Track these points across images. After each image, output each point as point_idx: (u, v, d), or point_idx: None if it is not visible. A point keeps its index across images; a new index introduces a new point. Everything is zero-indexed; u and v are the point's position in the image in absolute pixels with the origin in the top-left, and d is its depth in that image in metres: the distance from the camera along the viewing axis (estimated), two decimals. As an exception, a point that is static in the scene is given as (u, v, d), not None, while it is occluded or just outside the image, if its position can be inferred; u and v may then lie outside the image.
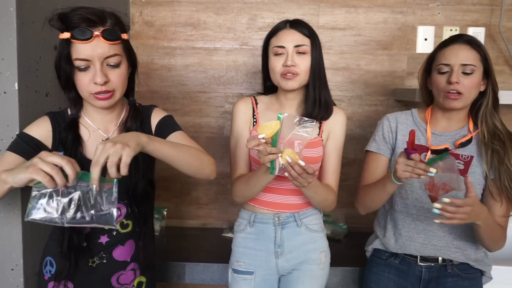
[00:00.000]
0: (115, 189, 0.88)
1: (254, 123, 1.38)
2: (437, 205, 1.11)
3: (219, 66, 1.95)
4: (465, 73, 1.22)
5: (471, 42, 1.25)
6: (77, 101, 1.10)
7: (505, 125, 1.28)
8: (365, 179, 1.37)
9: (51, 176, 0.84)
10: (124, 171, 0.87)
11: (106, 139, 1.11)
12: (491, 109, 1.27)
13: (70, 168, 0.85)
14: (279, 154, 1.09)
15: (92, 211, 0.88)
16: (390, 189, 1.23)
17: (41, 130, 1.08)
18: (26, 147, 1.04)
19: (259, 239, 1.37)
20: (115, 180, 0.88)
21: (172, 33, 1.94)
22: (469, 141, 1.28)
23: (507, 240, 1.30)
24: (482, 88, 1.27)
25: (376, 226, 1.44)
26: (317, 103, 1.33)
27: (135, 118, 1.14)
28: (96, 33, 0.98)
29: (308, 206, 1.40)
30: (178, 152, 1.04)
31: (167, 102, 1.96)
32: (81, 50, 0.98)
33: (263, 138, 1.09)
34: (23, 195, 1.16)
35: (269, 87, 1.42)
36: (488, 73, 1.25)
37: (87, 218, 0.88)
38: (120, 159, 0.87)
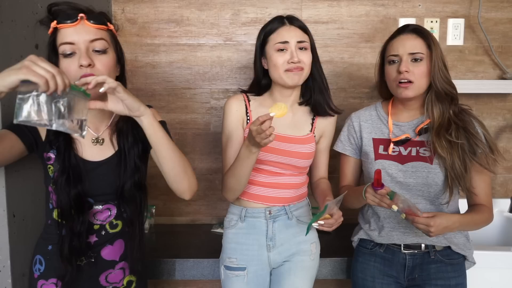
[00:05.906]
0: (86, 102, 0.94)
1: (248, 121, 1.37)
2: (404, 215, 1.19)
3: (203, 62, 1.95)
4: (414, 61, 1.25)
5: (417, 31, 1.28)
6: None
7: (449, 115, 1.27)
8: (341, 180, 1.47)
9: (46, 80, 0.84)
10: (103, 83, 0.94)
11: (96, 139, 1.11)
12: (434, 97, 1.28)
13: (60, 79, 0.85)
14: None
15: (74, 117, 0.91)
16: (363, 202, 1.28)
17: None
18: (25, 130, 1.05)
19: (250, 234, 1.37)
20: (89, 95, 0.93)
21: (155, 30, 1.93)
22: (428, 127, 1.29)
23: (490, 225, 1.33)
24: None
25: (360, 219, 1.46)
26: (323, 90, 1.40)
27: (127, 119, 1.10)
28: (81, 15, 1.00)
29: (299, 199, 1.42)
30: (171, 145, 1.05)
31: (153, 100, 1.95)
32: (66, 34, 1.00)
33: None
34: (8, 196, 1.15)
35: (263, 86, 1.41)
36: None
37: (72, 122, 0.90)
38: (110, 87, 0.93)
